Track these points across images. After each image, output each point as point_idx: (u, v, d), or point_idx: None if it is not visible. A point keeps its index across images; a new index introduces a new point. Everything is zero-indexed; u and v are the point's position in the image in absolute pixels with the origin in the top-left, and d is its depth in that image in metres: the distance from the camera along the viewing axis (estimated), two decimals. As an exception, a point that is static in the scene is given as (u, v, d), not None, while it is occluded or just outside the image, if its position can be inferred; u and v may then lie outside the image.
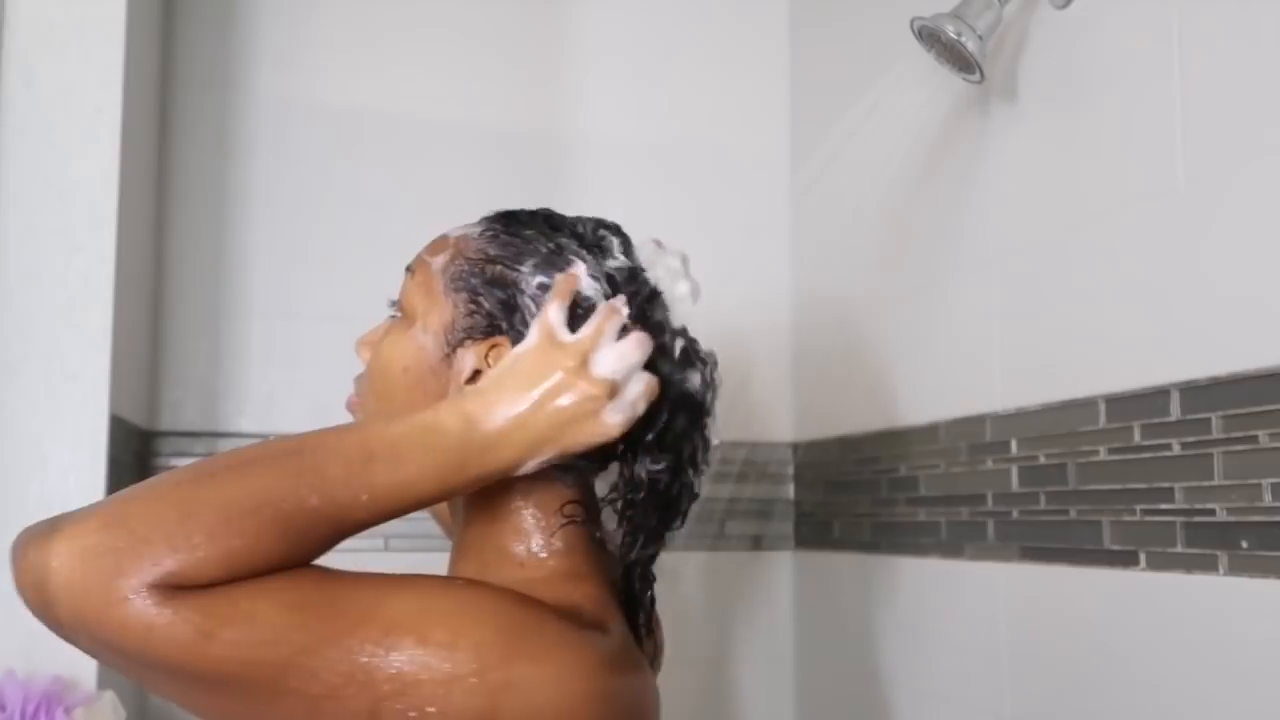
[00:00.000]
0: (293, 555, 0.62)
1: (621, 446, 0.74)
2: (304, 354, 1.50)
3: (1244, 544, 0.87)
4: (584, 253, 0.77)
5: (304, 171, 1.54)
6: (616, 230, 0.81)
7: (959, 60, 1.09)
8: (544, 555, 0.75)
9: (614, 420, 0.69)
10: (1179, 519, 0.94)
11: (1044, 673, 1.10)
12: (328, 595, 0.61)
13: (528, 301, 0.75)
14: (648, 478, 0.75)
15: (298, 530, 0.62)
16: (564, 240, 0.78)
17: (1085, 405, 1.05)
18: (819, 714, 1.57)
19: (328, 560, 0.66)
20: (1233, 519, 0.89)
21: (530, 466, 0.69)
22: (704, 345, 0.79)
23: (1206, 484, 0.91)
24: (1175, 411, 0.95)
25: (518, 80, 1.65)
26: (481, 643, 0.61)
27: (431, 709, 0.59)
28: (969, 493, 1.23)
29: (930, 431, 1.30)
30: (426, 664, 0.59)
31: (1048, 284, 1.12)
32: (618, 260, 0.77)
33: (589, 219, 0.82)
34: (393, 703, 0.59)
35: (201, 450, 1.47)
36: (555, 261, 0.76)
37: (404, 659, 0.59)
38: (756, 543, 1.66)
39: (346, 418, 0.82)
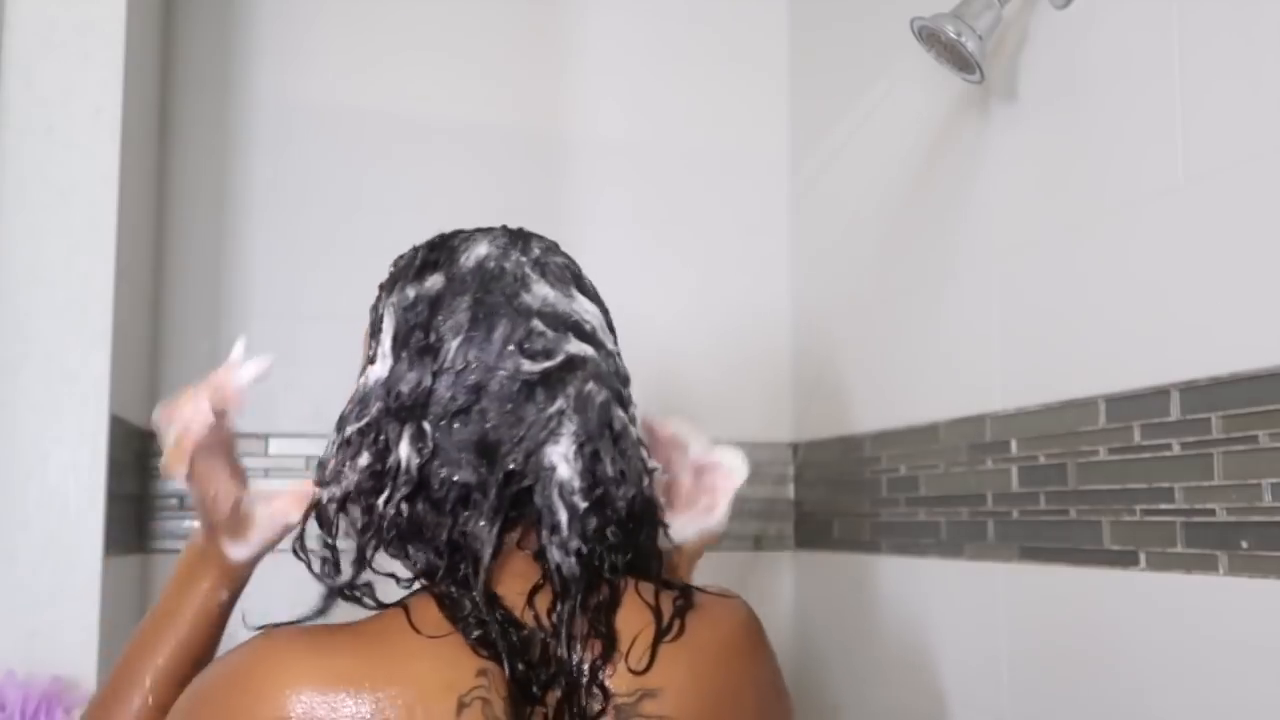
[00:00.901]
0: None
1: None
2: (304, 354, 1.50)
3: (1244, 544, 0.87)
4: (415, 270, 0.76)
5: (304, 172, 1.54)
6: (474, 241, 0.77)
7: (959, 60, 1.09)
8: None
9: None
10: (1179, 519, 0.94)
11: (1044, 672, 1.10)
12: None
13: (380, 318, 0.76)
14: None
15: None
16: (423, 256, 0.77)
17: (1085, 405, 1.05)
18: (819, 714, 1.57)
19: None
20: (1233, 519, 0.89)
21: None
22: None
23: (1206, 484, 0.91)
24: (1175, 411, 0.95)
25: (518, 80, 1.65)
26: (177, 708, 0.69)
27: None
28: (969, 493, 1.23)
29: (930, 431, 1.30)
30: None
31: (1048, 284, 1.12)
32: (418, 285, 0.75)
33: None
34: None
35: (201, 450, 1.47)
36: (404, 278, 0.76)
37: None
38: (756, 543, 1.66)
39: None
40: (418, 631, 0.67)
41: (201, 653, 0.78)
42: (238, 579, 0.79)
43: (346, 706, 0.63)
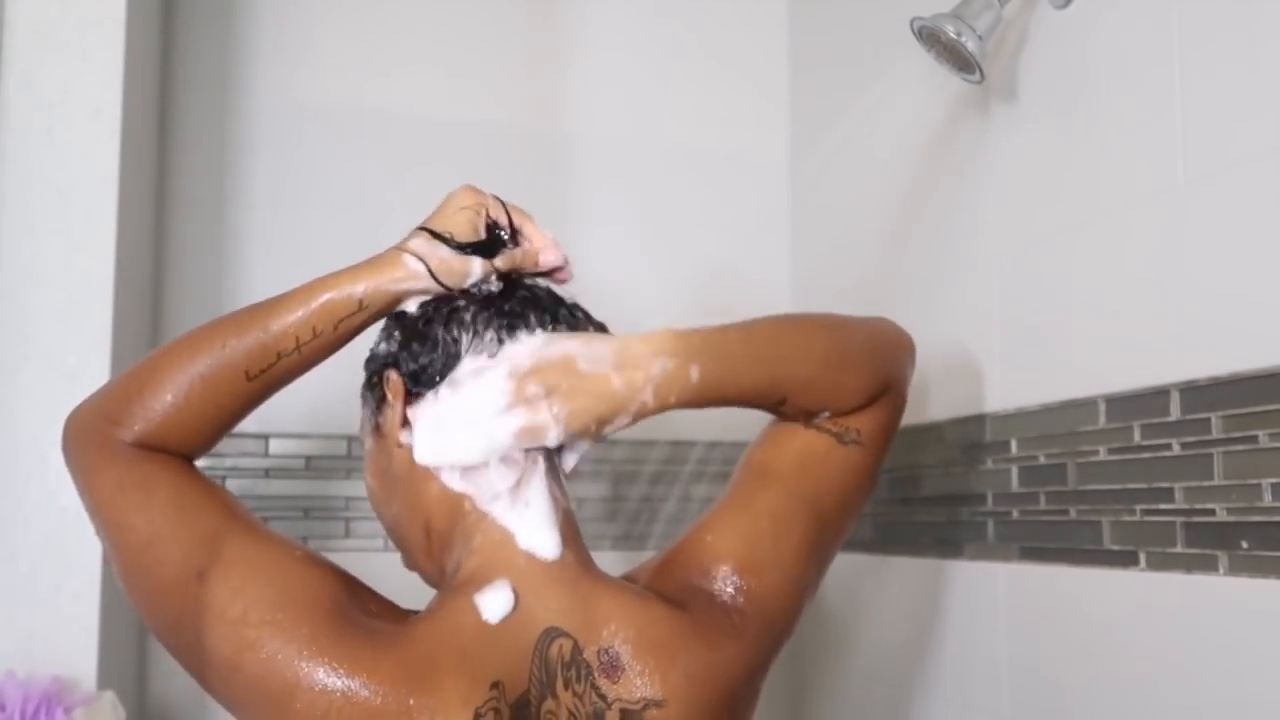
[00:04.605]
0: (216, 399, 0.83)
1: None
2: (304, 354, 1.50)
3: (1244, 544, 0.87)
4: None
5: (304, 171, 1.54)
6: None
7: (959, 60, 1.09)
8: None
9: None
10: (1179, 519, 0.94)
11: (1043, 673, 1.10)
12: (206, 514, 0.77)
13: None
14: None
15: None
16: None
17: (1085, 405, 1.05)
18: (818, 714, 1.57)
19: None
20: (1233, 519, 0.89)
21: None
22: None
23: (1206, 484, 0.91)
24: (1175, 411, 0.95)
25: (518, 80, 1.65)
26: None
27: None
28: (969, 493, 1.23)
29: (930, 431, 1.30)
30: (215, 596, 0.73)
31: (1047, 284, 1.12)
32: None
33: None
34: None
35: (201, 450, 1.47)
36: None
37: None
38: (756, 543, 1.66)
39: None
40: None
41: (314, 345, 0.86)
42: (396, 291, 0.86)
43: None
